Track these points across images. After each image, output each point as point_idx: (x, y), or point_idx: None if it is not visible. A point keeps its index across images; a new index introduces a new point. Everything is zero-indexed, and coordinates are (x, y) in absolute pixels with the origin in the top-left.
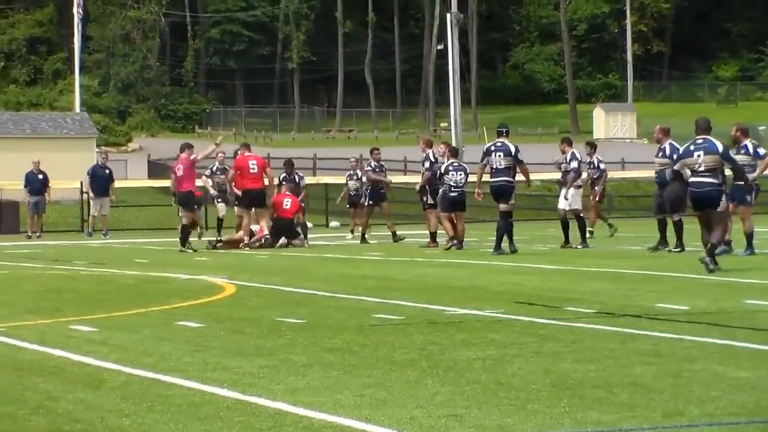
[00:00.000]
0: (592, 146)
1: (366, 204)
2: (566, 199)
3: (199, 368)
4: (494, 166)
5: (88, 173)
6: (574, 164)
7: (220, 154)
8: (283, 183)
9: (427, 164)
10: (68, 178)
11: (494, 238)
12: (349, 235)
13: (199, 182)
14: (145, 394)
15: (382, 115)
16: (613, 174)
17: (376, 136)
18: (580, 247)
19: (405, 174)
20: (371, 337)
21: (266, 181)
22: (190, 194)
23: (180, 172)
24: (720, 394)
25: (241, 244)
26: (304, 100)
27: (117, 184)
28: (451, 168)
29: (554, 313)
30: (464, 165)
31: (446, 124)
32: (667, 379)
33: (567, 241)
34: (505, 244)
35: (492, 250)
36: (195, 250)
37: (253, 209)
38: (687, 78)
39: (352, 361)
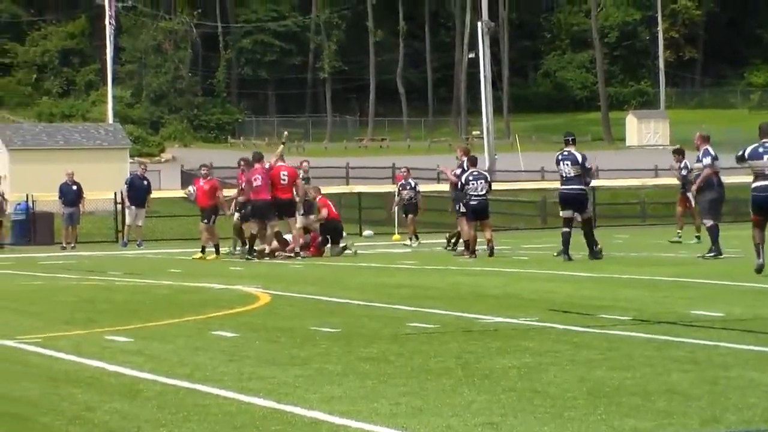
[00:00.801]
0: (680, 153)
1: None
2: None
3: (235, 378)
4: (564, 175)
5: (126, 183)
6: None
7: (305, 164)
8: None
9: (458, 171)
10: (102, 189)
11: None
12: (410, 242)
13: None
14: (181, 404)
15: (414, 123)
16: (646, 181)
17: (408, 144)
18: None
19: (438, 182)
20: (406, 345)
21: (295, 192)
22: (269, 204)
23: (258, 182)
24: (757, 401)
25: (277, 253)
26: (336, 109)
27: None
28: (471, 177)
29: (589, 321)
30: (485, 173)
31: (478, 133)
32: (703, 386)
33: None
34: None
35: (559, 255)
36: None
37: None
38: (719, 84)
39: (387, 369)
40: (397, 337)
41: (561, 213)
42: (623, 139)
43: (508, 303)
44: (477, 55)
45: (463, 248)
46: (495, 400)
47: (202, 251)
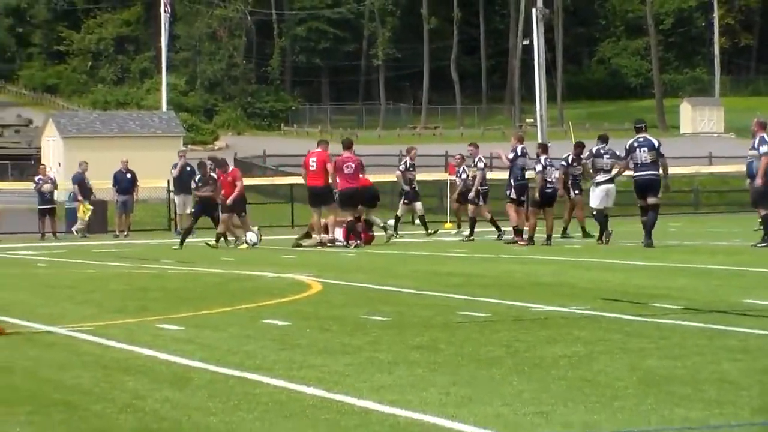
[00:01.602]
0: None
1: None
2: None
3: (285, 366)
4: (639, 161)
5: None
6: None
7: (414, 151)
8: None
9: (512, 156)
10: (156, 177)
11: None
12: (454, 231)
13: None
14: (232, 393)
15: (467, 111)
16: (700, 169)
17: (461, 132)
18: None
19: (491, 170)
20: (457, 334)
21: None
22: (359, 191)
23: (349, 170)
24: None
25: (323, 239)
26: (390, 97)
27: None
28: (548, 164)
29: (640, 310)
30: (557, 162)
31: (532, 120)
32: (754, 375)
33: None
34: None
35: (642, 243)
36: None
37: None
38: None
39: (437, 358)
40: (447, 325)
41: (639, 201)
42: (677, 127)
43: (560, 291)
44: (531, 42)
45: (513, 236)
46: (545, 389)
47: (223, 239)
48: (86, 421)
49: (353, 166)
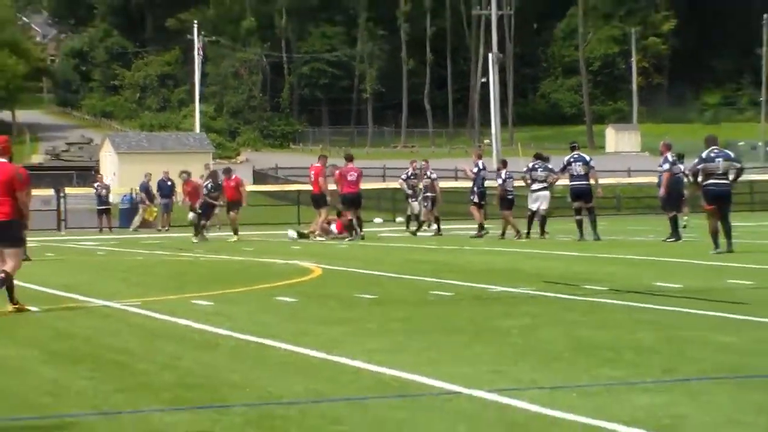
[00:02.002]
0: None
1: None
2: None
3: (294, 334)
4: (575, 173)
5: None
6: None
7: (414, 164)
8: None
9: (475, 169)
10: None
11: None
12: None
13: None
14: (251, 355)
15: (437, 133)
16: (621, 180)
17: (433, 150)
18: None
19: (456, 180)
20: (429, 309)
21: (321, 185)
22: (358, 195)
23: (352, 178)
24: (708, 355)
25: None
26: (376, 122)
27: None
28: (508, 177)
29: (575, 290)
30: (550, 167)
31: (488, 141)
32: (664, 343)
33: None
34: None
35: (577, 238)
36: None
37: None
38: (681, 104)
39: (414, 328)
40: (421, 302)
41: (574, 204)
42: (603, 147)
43: (511, 276)
44: (488, 80)
45: (476, 232)
46: (499, 353)
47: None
48: (134, 377)
49: (356, 174)
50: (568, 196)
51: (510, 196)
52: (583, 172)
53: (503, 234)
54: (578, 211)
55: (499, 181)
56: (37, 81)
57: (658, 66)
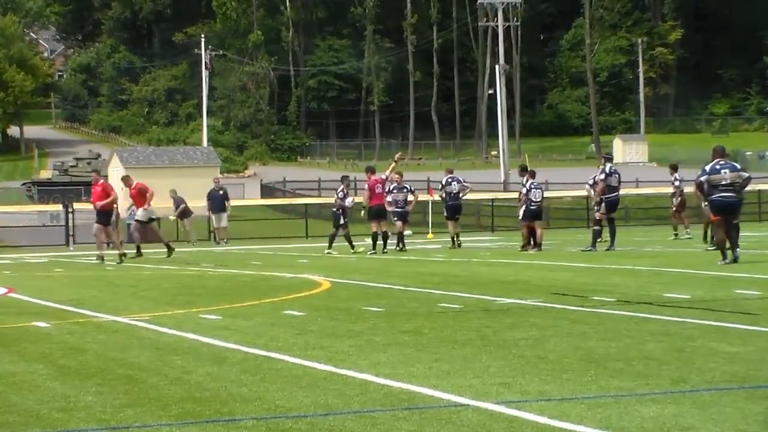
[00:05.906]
0: (673, 168)
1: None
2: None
3: (301, 347)
4: (612, 184)
5: (207, 197)
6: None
7: (396, 176)
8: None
9: (443, 183)
10: (198, 199)
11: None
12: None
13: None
14: (259, 368)
15: (444, 145)
16: (629, 190)
17: (440, 162)
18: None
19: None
20: (437, 321)
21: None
22: (384, 208)
23: (379, 190)
24: (716, 365)
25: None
26: (383, 134)
27: (236, 202)
28: (533, 187)
29: (582, 302)
30: (542, 185)
31: (496, 153)
32: (673, 353)
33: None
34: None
35: (587, 249)
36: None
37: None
38: (688, 114)
39: (422, 341)
40: (429, 314)
41: (609, 215)
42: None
43: (518, 288)
44: (495, 91)
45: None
46: (507, 365)
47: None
48: (144, 392)
49: (381, 187)
50: (602, 206)
51: (533, 206)
52: (617, 184)
53: (525, 246)
54: (612, 221)
55: (523, 190)
56: (44, 97)
57: (665, 76)
